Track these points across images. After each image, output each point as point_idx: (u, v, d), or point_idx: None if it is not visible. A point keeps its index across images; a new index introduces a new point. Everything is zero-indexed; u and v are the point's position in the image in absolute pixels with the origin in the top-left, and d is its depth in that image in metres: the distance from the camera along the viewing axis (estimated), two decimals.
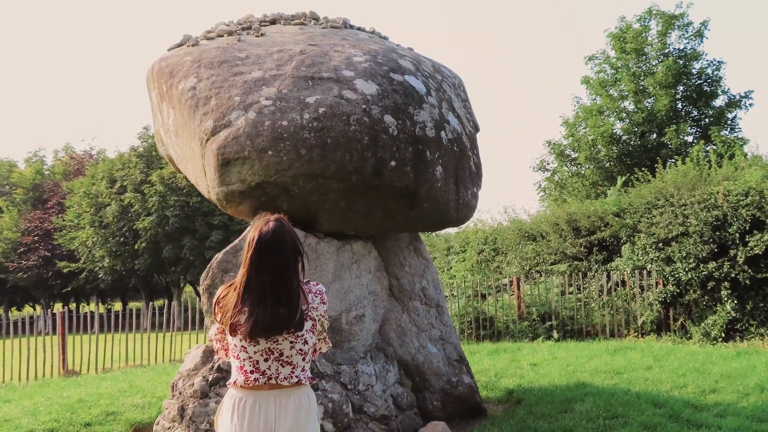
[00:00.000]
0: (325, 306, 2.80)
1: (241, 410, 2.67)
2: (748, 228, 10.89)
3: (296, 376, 2.71)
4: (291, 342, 2.68)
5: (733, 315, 10.89)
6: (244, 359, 2.69)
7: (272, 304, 2.60)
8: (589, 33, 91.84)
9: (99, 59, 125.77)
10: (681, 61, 22.54)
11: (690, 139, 22.67)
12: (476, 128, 6.78)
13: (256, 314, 2.60)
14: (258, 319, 2.60)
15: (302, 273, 2.76)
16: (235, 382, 2.73)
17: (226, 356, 2.87)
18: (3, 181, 39.01)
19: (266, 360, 2.68)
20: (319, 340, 2.85)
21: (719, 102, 23.17)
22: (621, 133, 23.53)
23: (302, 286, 2.73)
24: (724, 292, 10.97)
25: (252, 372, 2.68)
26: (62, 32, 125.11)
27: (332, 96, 5.35)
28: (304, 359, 2.73)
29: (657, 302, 11.85)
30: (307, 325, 2.71)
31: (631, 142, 23.31)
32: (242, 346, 2.67)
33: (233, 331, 2.66)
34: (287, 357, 2.69)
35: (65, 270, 30.18)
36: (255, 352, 2.67)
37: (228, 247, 5.59)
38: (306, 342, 2.72)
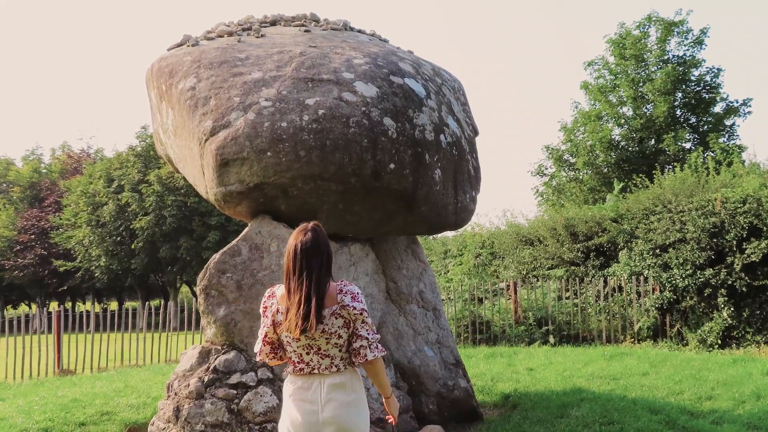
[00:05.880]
0: (362, 305, 3.01)
1: (292, 392, 3.06)
2: (745, 235, 10.91)
3: (335, 365, 3.02)
4: (326, 338, 2.98)
5: (730, 322, 10.91)
6: (291, 352, 3.06)
7: (306, 305, 2.90)
8: (589, 38, 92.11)
9: (98, 57, 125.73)
10: (680, 68, 22.57)
11: (688, 145, 22.70)
12: (475, 132, 6.78)
13: (292, 315, 2.92)
14: (294, 319, 2.92)
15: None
16: (287, 370, 3.12)
17: (266, 357, 3.14)
18: (0, 179, 38.93)
19: (308, 353, 3.01)
20: (360, 345, 2.99)
21: (718, 109, 23.21)
22: (619, 139, 23.54)
23: (333, 287, 3.01)
24: (720, 299, 10.98)
25: (298, 362, 3.04)
26: (61, 30, 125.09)
27: (332, 98, 5.34)
28: (340, 350, 3.02)
29: (654, 308, 11.85)
30: (338, 322, 2.97)
31: (630, 148, 23.32)
32: (287, 341, 3.04)
33: (278, 329, 3.02)
34: (325, 351, 3.01)
35: (61, 269, 30.11)
36: (298, 347, 3.02)
37: (225, 248, 5.58)
38: (340, 336, 3.00)
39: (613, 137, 23.33)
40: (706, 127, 22.96)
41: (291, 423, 3.04)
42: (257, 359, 3.16)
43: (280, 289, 3.07)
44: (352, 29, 7.24)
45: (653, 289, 11.97)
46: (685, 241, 11.53)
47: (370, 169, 5.28)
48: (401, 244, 6.61)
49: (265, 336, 3.10)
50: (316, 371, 3.02)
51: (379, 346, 3.05)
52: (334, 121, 5.22)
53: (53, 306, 34.77)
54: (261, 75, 5.54)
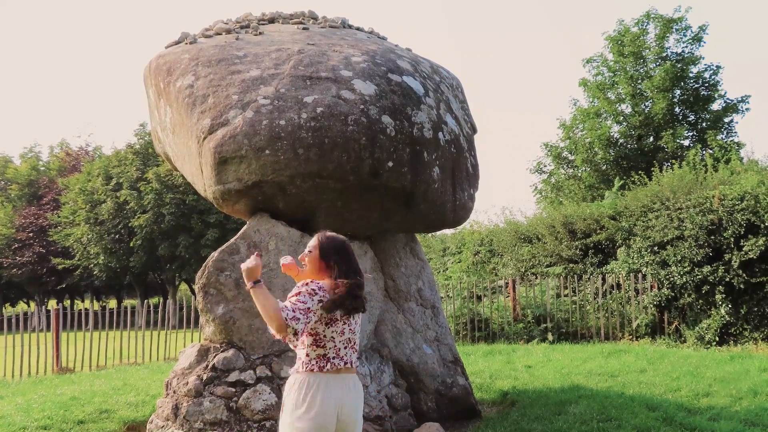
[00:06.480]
0: None
1: (318, 387, 3.12)
2: (743, 232, 10.92)
3: (355, 362, 3.27)
4: (355, 332, 3.30)
5: (728, 319, 10.92)
6: (331, 348, 3.17)
7: (360, 288, 3.21)
8: (588, 35, 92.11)
9: (96, 55, 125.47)
10: (679, 65, 22.55)
11: (686, 143, 22.69)
12: (474, 129, 6.78)
13: (353, 296, 3.17)
14: (353, 298, 3.16)
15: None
16: (312, 369, 3.15)
17: (294, 326, 3.00)
18: None
19: (345, 347, 3.22)
20: None
21: (716, 106, 23.20)
22: (618, 136, 23.54)
23: None
24: (718, 296, 11.00)
25: (334, 358, 3.17)
26: (59, 27, 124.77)
27: (330, 96, 5.34)
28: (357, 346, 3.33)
29: (652, 305, 11.87)
30: (358, 318, 3.35)
31: (628, 146, 23.32)
32: (331, 336, 3.17)
33: (322, 318, 3.14)
34: (354, 344, 3.27)
35: (60, 267, 30.08)
36: (341, 341, 3.20)
37: (224, 246, 5.58)
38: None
39: (611, 134, 23.33)
40: (704, 124, 22.96)
41: (315, 416, 3.09)
42: (289, 323, 2.98)
43: (322, 283, 3.22)
44: (350, 27, 7.24)
45: (651, 287, 11.99)
46: (683, 239, 11.55)
47: (368, 167, 5.28)
48: (400, 241, 6.61)
49: (309, 321, 3.07)
50: (349, 365, 3.22)
51: None
52: (333, 119, 5.22)
53: (52, 304, 34.75)
54: (259, 73, 5.54)
